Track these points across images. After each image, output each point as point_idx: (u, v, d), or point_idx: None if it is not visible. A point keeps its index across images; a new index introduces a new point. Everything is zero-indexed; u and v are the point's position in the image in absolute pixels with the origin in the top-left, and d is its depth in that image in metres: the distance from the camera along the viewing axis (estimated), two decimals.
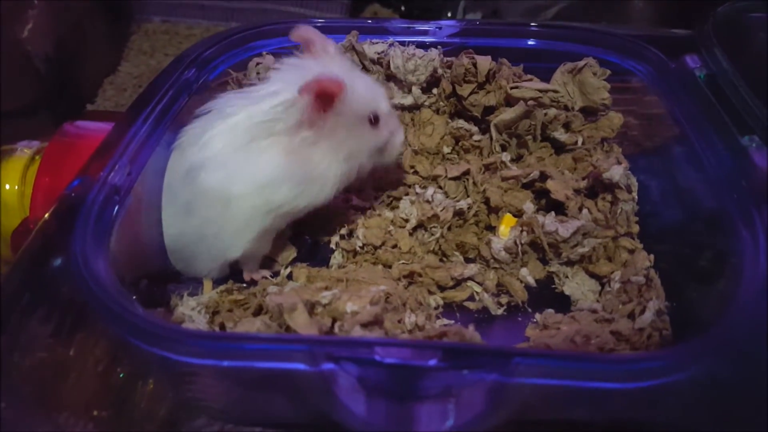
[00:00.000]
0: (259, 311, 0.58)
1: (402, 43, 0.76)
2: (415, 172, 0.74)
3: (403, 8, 1.48)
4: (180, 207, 0.62)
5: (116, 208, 0.54)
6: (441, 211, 0.67)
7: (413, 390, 0.43)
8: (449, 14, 1.38)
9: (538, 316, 0.62)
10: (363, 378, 0.43)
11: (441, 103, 0.78)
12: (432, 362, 0.42)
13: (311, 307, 0.55)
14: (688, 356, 0.44)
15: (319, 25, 0.79)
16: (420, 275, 0.63)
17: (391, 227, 0.69)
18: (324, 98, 0.58)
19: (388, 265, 0.66)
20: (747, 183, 0.55)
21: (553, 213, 0.67)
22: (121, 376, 0.58)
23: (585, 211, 0.66)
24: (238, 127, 0.59)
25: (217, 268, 0.64)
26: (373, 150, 0.64)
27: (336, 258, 0.68)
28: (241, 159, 0.59)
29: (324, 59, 0.62)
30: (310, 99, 0.57)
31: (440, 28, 0.79)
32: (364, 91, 0.62)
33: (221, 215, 0.60)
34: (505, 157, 0.74)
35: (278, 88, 0.59)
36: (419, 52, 0.75)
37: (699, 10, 0.74)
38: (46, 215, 0.54)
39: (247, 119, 0.59)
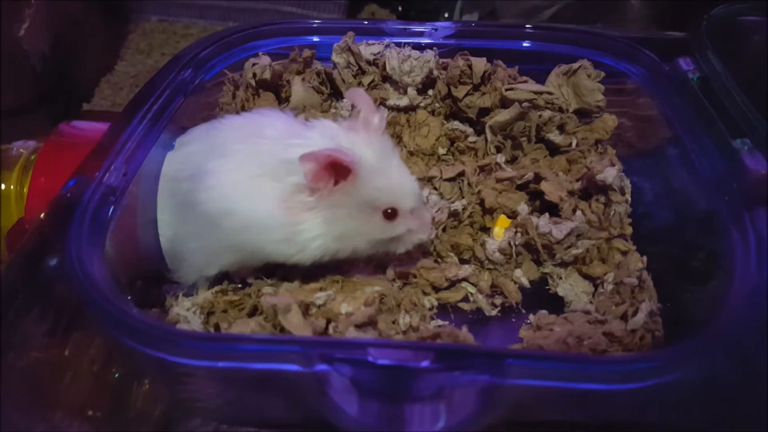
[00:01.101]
0: (254, 312, 0.58)
1: (398, 45, 0.77)
2: None
3: (400, 8, 1.48)
4: (177, 207, 0.62)
5: (112, 208, 0.54)
6: (436, 212, 0.68)
7: (406, 391, 0.44)
8: (446, 15, 1.38)
9: (531, 317, 0.62)
10: (356, 379, 0.43)
11: (436, 104, 0.79)
12: (425, 363, 0.43)
13: (306, 308, 0.55)
14: (680, 357, 0.45)
15: (315, 25, 0.79)
16: (415, 276, 0.64)
17: None
18: (332, 172, 0.55)
19: (383, 266, 0.66)
20: (738, 185, 0.55)
21: (547, 214, 0.67)
22: (116, 376, 0.58)
23: (579, 212, 0.67)
24: (257, 157, 0.58)
25: (198, 278, 0.63)
26: (378, 241, 0.60)
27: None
28: (244, 189, 0.58)
29: (361, 132, 0.59)
30: (314, 168, 0.54)
31: (436, 30, 0.79)
32: (389, 183, 0.58)
33: (207, 232, 0.59)
34: (500, 158, 0.74)
35: (305, 143, 0.57)
36: (415, 53, 0.75)
37: (695, 10, 0.74)
38: (42, 215, 0.54)
39: (267, 154, 0.58)
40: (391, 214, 0.58)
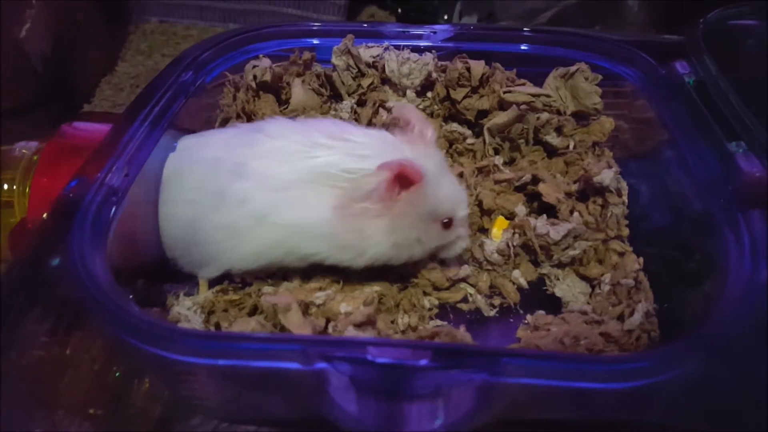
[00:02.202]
0: (254, 311, 0.59)
1: (397, 47, 0.77)
2: None
3: (399, 11, 1.49)
4: (210, 193, 0.61)
5: (114, 209, 0.55)
6: None
7: (404, 389, 0.44)
8: (445, 17, 1.38)
9: (529, 317, 0.62)
10: (355, 377, 0.44)
11: (435, 106, 0.79)
12: (423, 362, 0.43)
13: (305, 308, 0.56)
14: (675, 356, 0.45)
15: (315, 28, 0.80)
16: (415, 276, 0.64)
17: None
18: (401, 182, 0.57)
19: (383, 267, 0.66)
20: (733, 187, 0.56)
21: (544, 216, 0.68)
22: (117, 375, 0.58)
23: (576, 214, 0.67)
24: (314, 162, 0.58)
25: (210, 270, 0.63)
26: (434, 248, 0.63)
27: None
28: (296, 190, 0.58)
29: (419, 145, 0.61)
30: (388, 177, 0.56)
31: (435, 33, 0.79)
32: (448, 193, 0.61)
33: (246, 228, 0.59)
34: (498, 160, 0.74)
35: (369, 153, 0.58)
36: (414, 56, 0.76)
37: (691, 14, 0.75)
38: (44, 215, 0.54)
39: (326, 162, 0.58)
40: (447, 223, 0.61)
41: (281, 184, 0.58)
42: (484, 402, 0.45)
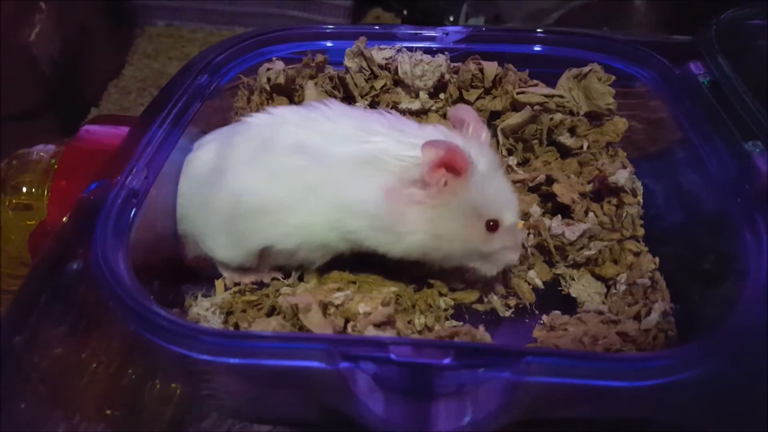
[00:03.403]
0: (272, 312, 0.59)
1: (409, 49, 0.77)
2: None
3: (405, 12, 1.49)
4: (262, 167, 0.61)
5: (134, 210, 0.55)
6: None
7: (428, 388, 0.45)
8: (451, 18, 1.38)
9: (545, 317, 0.63)
10: (379, 376, 0.44)
11: (448, 107, 0.79)
12: (446, 361, 0.43)
13: (324, 308, 0.56)
14: (694, 356, 0.45)
15: (328, 31, 0.80)
16: (431, 277, 0.64)
17: None
18: (448, 169, 0.56)
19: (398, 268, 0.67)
20: (750, 187, 0.56)
21: (559, 216, 0.68)
22: (133, 377, 0.59)
23: (591, 214, 0.68)
24: (369, 146, 0.59)
25: (248, 248, 0.63)
26: (474, 252, 0.60)
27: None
28: (349, 170, 0.59)
29: (473, 143, 0.60)
30: (434, 157, 0.55)
31: (447, 34, 0.80)
32: (496, 194, 0.59)
33: (296, 201, 0.60)
34: (512, 161, 0.75)
35: (421, 143, 0.57)
36: (426, 57, 0.76)
37: (701, 14, 0.75)
38: (66, 218, 0.55)
39: (379, 147, 0.59)
40: (492, 226, 0.59)
41: (335, 162, 0.59)
42: (506, 401, 0.45)
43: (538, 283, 0.66)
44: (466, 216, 0.58)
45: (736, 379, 0.48)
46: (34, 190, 0.71)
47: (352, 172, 0.59)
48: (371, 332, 0.53)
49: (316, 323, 0.52)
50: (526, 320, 0.64)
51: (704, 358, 0.45)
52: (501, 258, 0.61)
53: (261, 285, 0.65)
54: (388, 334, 0.53)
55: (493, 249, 0.60)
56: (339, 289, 0.60)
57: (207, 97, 0.70)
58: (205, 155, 0.65)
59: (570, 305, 0.65)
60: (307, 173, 0.59)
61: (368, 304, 0.57)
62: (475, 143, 0.60)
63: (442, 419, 0.45)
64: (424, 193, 0.57)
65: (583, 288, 0.65)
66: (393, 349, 0.44)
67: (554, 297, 0.66)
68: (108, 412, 0.57)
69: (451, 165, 0.56)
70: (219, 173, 0.63)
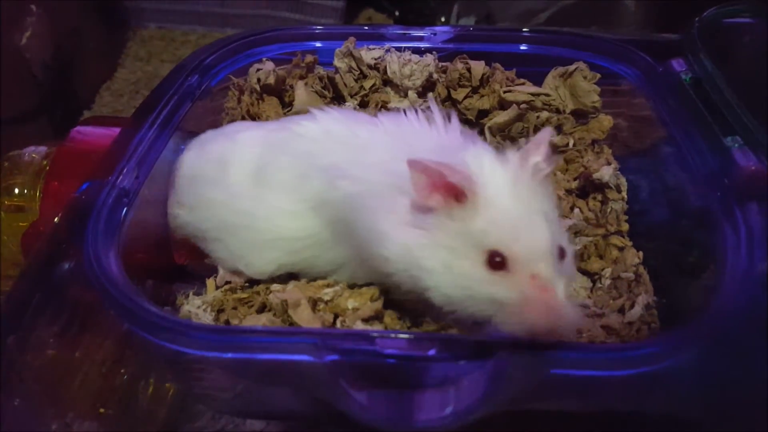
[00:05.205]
0: (262, 309, 0.60)
1: (398, 49, 0.78)
2: None
3: (396, 13, 1.50)
4: (292, 173, 0.59)
5: (125, 210, 0.56)
6: None
7: (413, 379, 0.45)
8: (443, 19, 1.39)
9: None
10: (365, 368, 0.45)
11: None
12: (431, 353, 0.44)
13: (314, 304, 0.57)
14: (677, 343, 0.46)
15: (317, 31, 0.81)
16: None
17: None
18: (445, 192, 0.47)
19: None
20: (730, 181, 0.57)
21: None
22: (125, 376, 0.60)
23: (576, 210, 0.68)
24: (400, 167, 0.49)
25: (273, 263, 0.62)
26: (477, 297, 0.46)
27: None
28: (379, 198, 0.52)
29: (514, 164, 0.49)
30: (420, 178, 0.47)
31: (435, 34, 0.80)
32: (504, 218, 0.46)
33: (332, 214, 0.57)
34: None
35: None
36: (415, 57, 0.77)
37: (687, 13, 0.76)
38: (57, 218, 0.55)
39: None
40: (497, 263, 0.45)
41: (373, 193, 0.53)
42: (492, 391, 0.46)
43: None
44: (459, 242, 0.47)
45: (718, 365, 0.49)
46: (26, 191, 0.71)
47: (379, 196, 0.52)
48: (360, 327, 0.53)
49: (306, 318, 0.53)
50: None
51: (686, 346, 0.46)
52: (518, 316, 0.45)
53: (252, 283, 0.66)
54: (376, 328, 0.54)
55: (502, 297, 0.45)
56: (328, 285, 0.61)
57: (197, 98, 0.70)
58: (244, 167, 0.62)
59: None
60: (342, 200, 0.55)
61: (357, 299, 0.58)
62: (512, 165, 0.49)
63: (426, 409, 0.46)
64: (421, 218, 0.49)
65: None
66: (378, 342, 0.45)
67: None
68: (101, 410, 0.58)
69: (450, 188, 0.47)
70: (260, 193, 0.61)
